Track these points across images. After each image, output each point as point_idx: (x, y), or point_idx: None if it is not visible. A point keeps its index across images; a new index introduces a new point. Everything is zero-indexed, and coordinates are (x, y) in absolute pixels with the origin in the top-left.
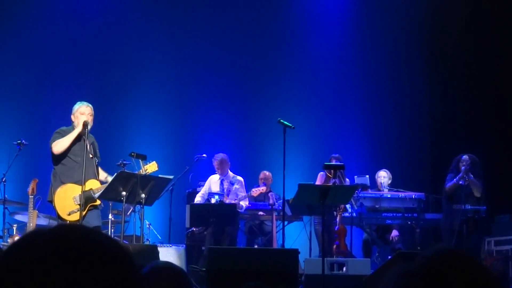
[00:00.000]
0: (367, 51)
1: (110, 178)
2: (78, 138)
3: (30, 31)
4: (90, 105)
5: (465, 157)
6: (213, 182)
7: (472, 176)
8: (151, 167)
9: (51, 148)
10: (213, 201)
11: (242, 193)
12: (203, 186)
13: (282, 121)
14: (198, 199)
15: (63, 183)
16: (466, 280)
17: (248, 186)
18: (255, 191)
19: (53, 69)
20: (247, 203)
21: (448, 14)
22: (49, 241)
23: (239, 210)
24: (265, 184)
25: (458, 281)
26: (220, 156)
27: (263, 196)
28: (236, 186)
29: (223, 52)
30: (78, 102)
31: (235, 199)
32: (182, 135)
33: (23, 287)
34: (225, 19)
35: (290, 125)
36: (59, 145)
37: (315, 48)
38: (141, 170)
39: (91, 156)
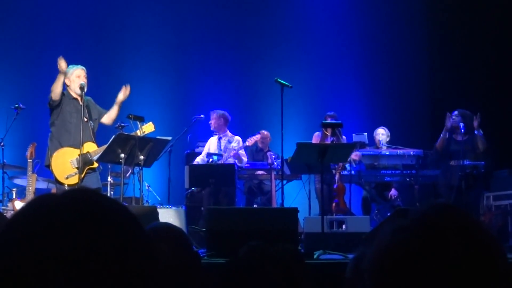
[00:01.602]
0: (366, 10)
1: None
2: (70, 104)
3: None
4: (84, 67)
5: (455, 112)
6: (212, 143)
7: (481, 131)
8: (147, 128)
9: (49, 97)
10: (210, 161)
11: (240, 150)
12: (201, 146)
13: (279, 80)
14: (198, 161)
15: (59, 147)
16: (460, 234)
17: (247, 146)
18: (250, 140)
19: (50, 32)
20: (245, 159)
21: None
22: (59, 207)
23: (240, 164)
24: (259, 133)
25: (452, 235)
26: (212, 112)
27: (262, 155)
28: (233, 144)
29: (219, 11)
30: (71, 66)
31: (231, 156)
32: (179, 96)
33: (34, 254)
34: None
35: (288, 84)
36: (53, 93)
37: (312, 6)
38: (138, 131)
39: (85, 119)
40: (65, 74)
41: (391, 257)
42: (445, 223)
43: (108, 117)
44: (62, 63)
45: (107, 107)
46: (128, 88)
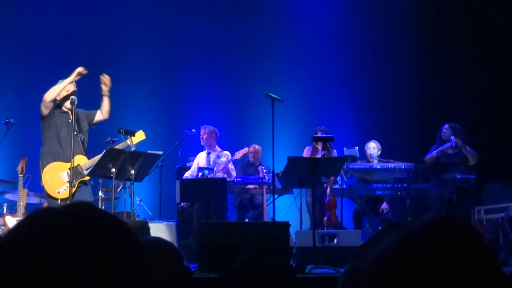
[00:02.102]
0: (356, 23)
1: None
2: (61, 117)
3: (17, 9)
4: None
5: (446, 126)
6: (201, 158)
7: (469, 148)
8: (138, 137)
9: (42, 101)
10: (200, 175)
11: (229, 163)
12: (192, 161)
13: (270, 94)
14: (186, 176)
15: (50, 161)
16: (468, 247)
17: (238, 160)
18: (239, 154)
19: (40, 47)
20: (234, 173)
21: None
22: (59, 220)
23: (229, 179)
24: (247, 146)
25: (460, 246)
26: (204, 127)
27: (253, 169)
28: (223, 159)
29: (210, 25)
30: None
31: (219, 171)
32: (170, 110)
33: (34, 267)
34: None
35: (279, 98)
36: (50, 92)
37: (303, 20)
38: (128, 140)
39: (75, 133)
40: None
41: (397, 266)
42: (452, 234)
43: (102, 113)
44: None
45: (98, 123)
46: (106, 76)
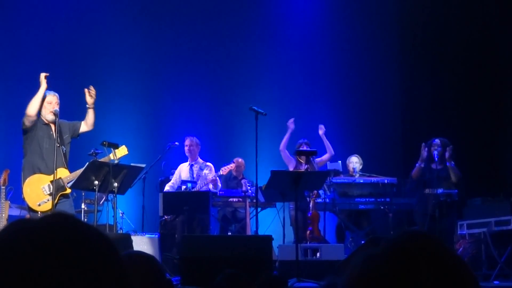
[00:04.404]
0: (339, 37)
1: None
2: (43, 129)
3: None
4: (56, 93)
5: (437, 141)
6: (183, 170)
7: (453, 163)
8: (121, 151)
9: (25, 116)
10: (183, 188)
11: (212, 174)
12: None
13: (254, 108)
14: (167, 188)
15: (32, 173)
16: (432, 261)
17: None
18: (224, 169)
19: (22, 58)
20: (220, 185)
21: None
22: (36, 231)
23: (214, 190)
24: (233, 162)
25: (423, 262)
26: (192, 138)
27: (236, 183)
28: (205, 171)
29: (194, 38)
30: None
31: (205, 184)
32: (154, 123)
33: (10, 280)
34: (196, 5)
35: (262, 112)
36: (32, 106)
37: (286, 34)
38: (111, 154)
39: (57, 145)
40: None
41: (363, 285)
42: (416, 250)
43: (86, 124)
44: (43, 80)
45: (81, 135)
46: (91, 88)
